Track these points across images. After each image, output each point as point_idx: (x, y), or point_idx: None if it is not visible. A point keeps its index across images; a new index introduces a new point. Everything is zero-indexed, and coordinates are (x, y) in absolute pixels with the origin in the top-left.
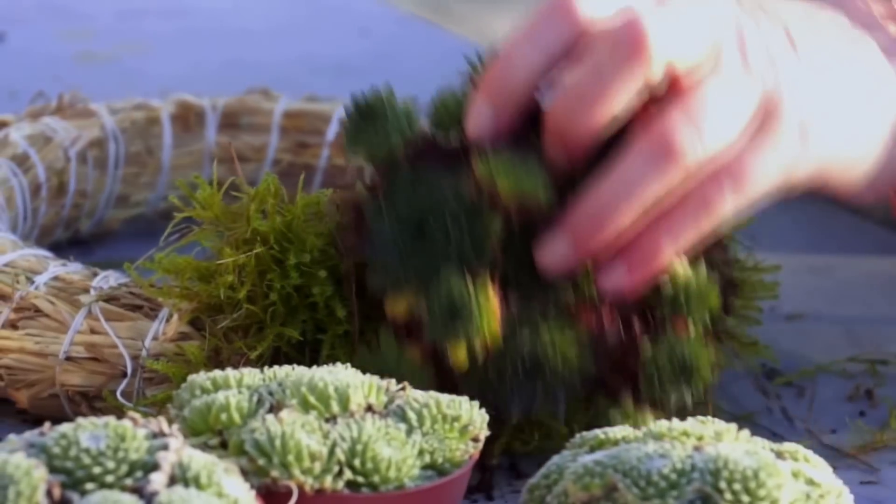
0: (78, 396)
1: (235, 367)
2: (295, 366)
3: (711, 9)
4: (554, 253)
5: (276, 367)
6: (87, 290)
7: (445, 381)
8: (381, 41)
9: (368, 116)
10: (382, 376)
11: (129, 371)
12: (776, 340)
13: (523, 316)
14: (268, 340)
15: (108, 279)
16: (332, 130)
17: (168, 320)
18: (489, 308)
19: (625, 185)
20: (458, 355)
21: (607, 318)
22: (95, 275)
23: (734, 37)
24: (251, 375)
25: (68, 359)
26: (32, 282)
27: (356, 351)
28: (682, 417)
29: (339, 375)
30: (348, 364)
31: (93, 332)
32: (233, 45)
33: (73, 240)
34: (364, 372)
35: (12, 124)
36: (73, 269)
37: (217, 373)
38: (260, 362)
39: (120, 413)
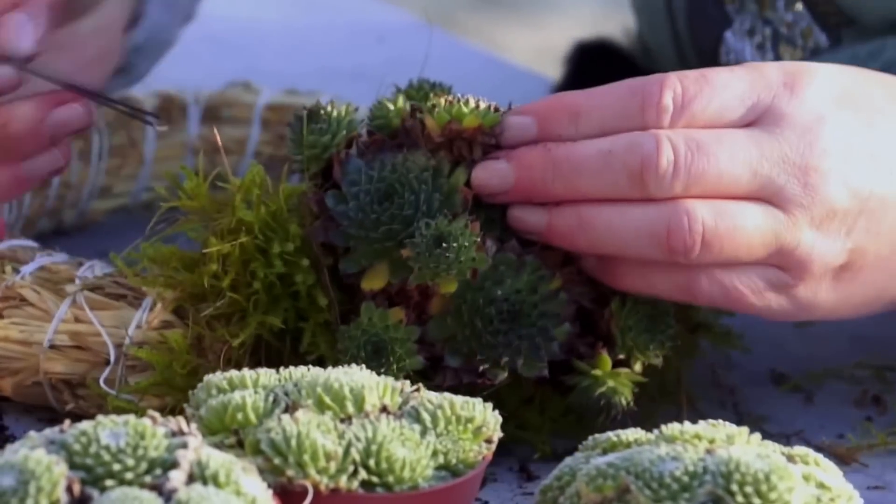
0: (61, 384)
1: (218, 354)
2: (311, 366)
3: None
4: (492, 173)
5: (291, 368)
6: (72, 280)
7: (431, 343)
8: (398, 48)
9: (311, 120)
10: (368, 345)
11: (112, 359)
12: (784, 345)
13: (501, 262)
14: (250, 328)
15: (94, 269)
16: None
17: (152, 309)
18: (472, 236)
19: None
20: (448, 287)
21: (578, 276)
22: (81, 265)
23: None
24: (267, 375)
25: (52, 347)
26: (18, 271)
27: (336, 334)
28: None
29: (355, 377)
30: (359, 368)
31: (77, 320)
32: (250, 54)
33: (57, 230)
34: (349, 345)
35: None
36: (58, 260)
37: (233, 373)
38: (242, 350)
39: (103, 401)
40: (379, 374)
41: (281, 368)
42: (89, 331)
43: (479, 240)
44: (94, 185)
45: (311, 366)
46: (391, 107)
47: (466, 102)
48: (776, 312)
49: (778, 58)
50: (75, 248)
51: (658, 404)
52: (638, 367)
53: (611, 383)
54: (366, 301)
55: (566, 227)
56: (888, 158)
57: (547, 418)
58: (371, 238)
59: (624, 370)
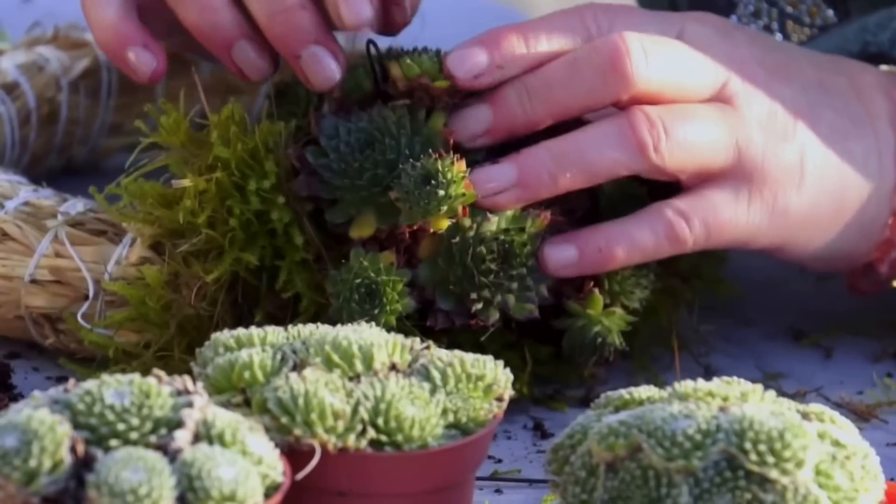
0: (42, 318)
1: (192, 290)
2: (319, 324)
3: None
4: (469, 116)
5: (300, 326)
6: (54, 216)
7: (422, 287)
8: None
9: (287, 90)
10: (361, 287)
11: (91, 294)
12: (803, 301)
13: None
14: (225, 265)
15: (76, 205)
16: None
17: (132, 245)
18: (459, 172)
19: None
20: (440, 224)
21: (563, 217)
22: (65, 200)
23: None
24: (275, 333)
25: (33, 282)
26: (2, 206)
27: (327, 281)
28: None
29: (364, 334)
30: (355, 316)
31: (58, 255)
32: None
33: (67, 168)
34: (341, 289)
35: (6, 53)
36: (43, 195)
37: (241, 330)
38: (216, 286)
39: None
40: (371, 317)
41: (289, 326)
42: (69, 266)
43: (466, 176)
44: (103, 121)
45: (288, 303)
46: (358, 77)
47: (435, 57)
48: (755, 231)
49: (787, 38)
50: (86, 189)
51: (650, 352)
52: (620, 311)
53: (605, 322)
54: (355, 247)
55: (539, 165)
56: (800, 83)
57: (530, 362)
58: (356, 186)
59: (616, 309)
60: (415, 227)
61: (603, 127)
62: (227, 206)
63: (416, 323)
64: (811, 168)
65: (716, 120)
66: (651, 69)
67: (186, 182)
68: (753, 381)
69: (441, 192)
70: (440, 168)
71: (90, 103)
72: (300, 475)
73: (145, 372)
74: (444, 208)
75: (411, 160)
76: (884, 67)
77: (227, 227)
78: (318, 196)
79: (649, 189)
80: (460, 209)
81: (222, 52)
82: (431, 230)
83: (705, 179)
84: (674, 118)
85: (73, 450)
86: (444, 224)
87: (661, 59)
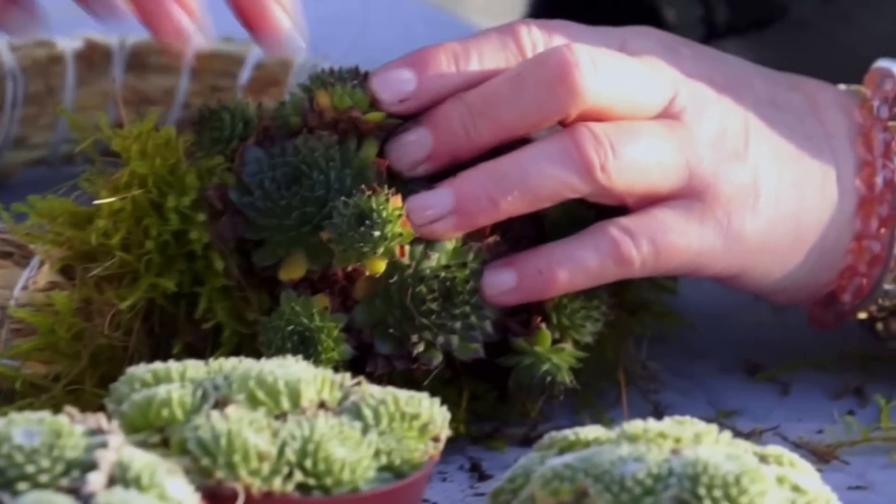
0: None
1: (105, 318)
2: (242, 358)
3: (663, 74)
4: (407, 142)
5: (222, 360)
6: None
7: (359, 330)
8: (337, 3)
9: (212, 116)
10: (294, 335)
11: None
12: (759, 333)
13: (420, 239)
14: (140, 291)
15: None
16: (247, 74)
17: (40, 268)
18: (395, 210)
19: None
20: (376, 268)
21: (505, 248)
22: None
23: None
24: (195, 368)
25: None
26: None
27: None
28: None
29: (291, 369)
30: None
31: None
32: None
33: None
34: (272, 337)
35: None
36: None
37: (158, 365)
38: (131, 314)
39: None
40: None
41: (210, 359)
42: None
43: (403, 213)
44: (7, 135)
45: (209, 333)
46: (288, 108)
47: (365, 89)
48: (709, 254)
49: None
50: None
51: (595, 387)
52: (569, 347)
53: (554, 360)
54: (286, 290)
55: (477, 188)
56: (746, 93)
57: (467, 397)
58: (284, 226)
59: (565, 346)
60: (349, 269)
61: (545, 145)
62: (143, 227)
63: (355, 371)
64: (765, 188)
65: (665, 138)
66: (601, 82)
67: (105, 199)
68: (706, 418)
69: (376, 233)
70: (374, 206)
71: None
72: None
73: (55, 406)
74: (381, 250)
75: (342, 197)
76: (842, 86)
77: (143, 250)
78: (244, 238)
79: (597, 213)
80: (397, 249)
81: None
82: (369, 272)
83: (654, 202)
84: (621, 136)
85: None
86: (381, 267)
87: (611, 71)
